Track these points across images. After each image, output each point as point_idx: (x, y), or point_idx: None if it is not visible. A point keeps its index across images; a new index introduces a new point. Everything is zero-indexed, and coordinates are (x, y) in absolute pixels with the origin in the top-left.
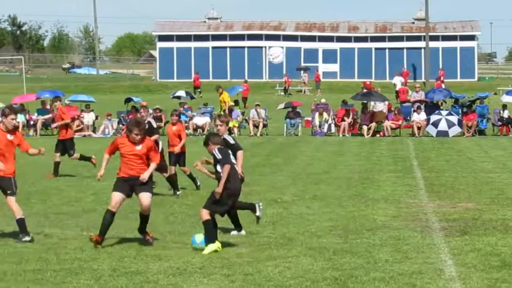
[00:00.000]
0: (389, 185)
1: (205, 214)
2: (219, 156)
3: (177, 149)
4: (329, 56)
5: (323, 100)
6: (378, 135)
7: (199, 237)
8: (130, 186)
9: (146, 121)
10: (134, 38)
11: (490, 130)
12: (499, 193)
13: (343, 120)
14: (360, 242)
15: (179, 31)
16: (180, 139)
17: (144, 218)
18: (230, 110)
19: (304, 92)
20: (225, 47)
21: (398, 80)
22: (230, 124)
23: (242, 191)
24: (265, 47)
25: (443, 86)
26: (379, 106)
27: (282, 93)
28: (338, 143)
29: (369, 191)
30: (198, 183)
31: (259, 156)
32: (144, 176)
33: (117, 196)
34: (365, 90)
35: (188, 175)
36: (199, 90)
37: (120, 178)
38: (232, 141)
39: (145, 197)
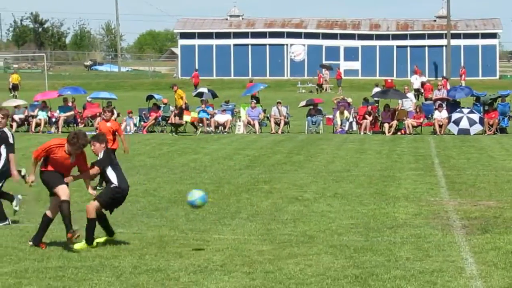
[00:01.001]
0: (410, 183)
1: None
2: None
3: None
4: (350, 54)
5: (349, 100)
6: (399, 133)
7: (196, 194)
8: None
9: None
10: (156, 35)
11: (511, 128)
12: None
13: (364, 118)
14: (381, 240)
15: (201, 29)
16: (114, 136)
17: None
18: (184, 108)
19: (326, 89)
20: (247, 45)
21: (414, 79)
22: (188, 119)
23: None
24: (287, 44)
25: (448, 85)
26: (407, 104)
27: (317, 88)
28: (359, 141)
29: (390, 189)
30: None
31: (280, 154)
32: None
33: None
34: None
35: None
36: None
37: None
38: (11, 140)
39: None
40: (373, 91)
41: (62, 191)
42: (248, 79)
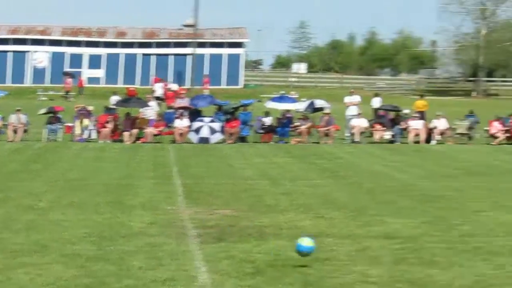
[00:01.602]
0: (147, 191)
1: None
2: None
3: None
4: (95, 62)
5: (90, 108)
6: (139, 141)
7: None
8: None
9: None
10: None
11: (253, 137)
12: (257, 200)
13: (104, 126)
14: (114, 249)
15: None
16: None
17: None
18: None
19: (68, 97)
20: None
21: (159, 87)
22: None
23: None
24: (30, 51)
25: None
26: (149, 113)
27: (65, 96)
28: (98, 150)
29: (127, 197)
30: None
31: (17, 162)
32: None
33: None
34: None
35: None
36: None
37: None
38: None
39: None
40: (111, 100)
41: None
42: None
